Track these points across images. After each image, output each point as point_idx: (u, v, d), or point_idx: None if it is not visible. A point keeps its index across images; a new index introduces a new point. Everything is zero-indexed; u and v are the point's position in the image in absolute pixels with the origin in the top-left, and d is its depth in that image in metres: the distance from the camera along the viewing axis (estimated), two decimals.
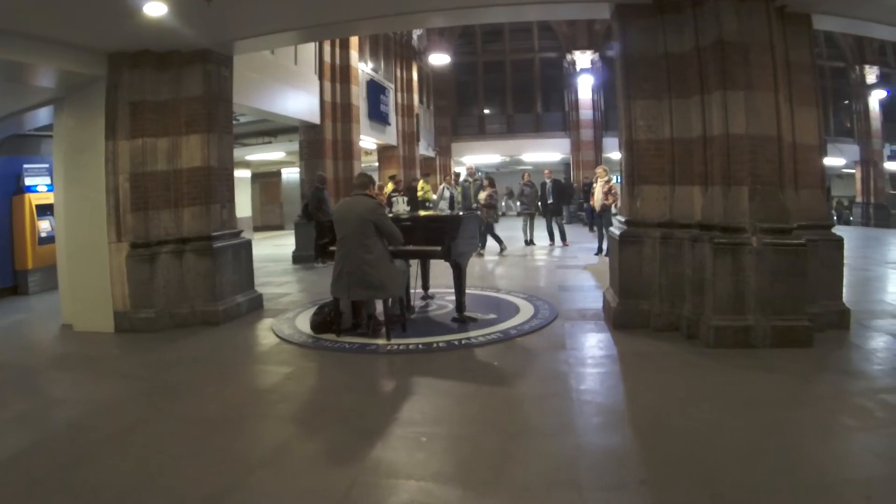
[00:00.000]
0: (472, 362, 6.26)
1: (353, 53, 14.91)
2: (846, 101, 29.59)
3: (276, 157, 21.80)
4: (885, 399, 4.82)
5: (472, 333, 7.11)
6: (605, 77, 27.02)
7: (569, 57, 27.20)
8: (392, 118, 19.15)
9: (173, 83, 7.74)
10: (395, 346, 6.66)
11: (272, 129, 17.14)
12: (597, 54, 26.87)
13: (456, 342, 6.83)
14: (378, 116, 17.57)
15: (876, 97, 27.58)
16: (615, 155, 26.85)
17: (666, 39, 6.81)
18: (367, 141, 17.59)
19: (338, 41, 14.24)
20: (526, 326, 7.42)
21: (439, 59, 19.92)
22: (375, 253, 6.57)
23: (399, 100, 20.02)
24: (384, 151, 19.77)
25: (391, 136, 19.27)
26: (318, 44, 13.66)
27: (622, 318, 7.07)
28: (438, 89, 27.20)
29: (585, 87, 26.86)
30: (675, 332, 6.75)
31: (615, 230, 7.53)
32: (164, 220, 7.79)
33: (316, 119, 13.85)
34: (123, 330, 7.60)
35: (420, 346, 6.71)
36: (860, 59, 28.15)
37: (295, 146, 17.16)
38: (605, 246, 14.00)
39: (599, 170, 15.26)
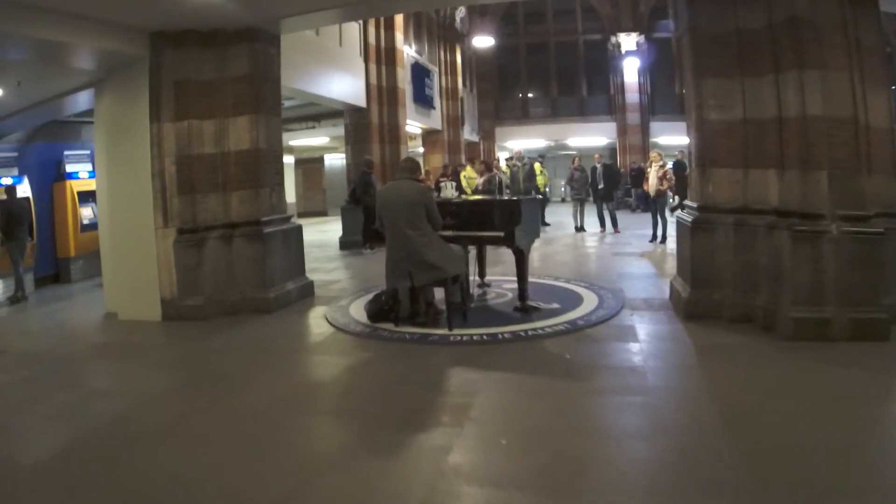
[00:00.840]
0: (542, 354, 5.83)
1: (398, 35, 14.53)
2: (892, 87, 28.46)
3: (319, 142, 21.54)
4: None
5: (538, 324, 6.70)
6: (651, 59, 26.37)
7: (613, 39, 26.50)
8: (436, 102, 18.73)
9: (219, 62, 7.41)
10: (459, 337, 6.27)
11: (316, 114, 16.87)
12: (642, 36, 26.14)
13: (522, 333, 6.40)
14: (423, 100, 17.17)
15: None
16: (662, 139, 26.28)
17: (737, 14, 6.40)
18: (412, 125, 17.23)
19: (382, 23, 13.90)
20: (593, 317, 6.99)
21: (483, 41, 19.51)
22: (428, 235, 6.29)
23: (443, 83, 19.57)
24: (429, 136, 19.37)
25: (436, 120, 18.88)
26: (362, 25, 13.32)
27: (694, 309, 6.70)
28: (481, 72, 26.69)
29: (631, 70, 26.19)
30: (749, 324, 6.35)
31: (686, 216, 7.14)
32: (212, 205, 7.50)
33: (362, 102, 13.53)
34: (170, 318, 7.34)
35: (484, 336, 6.30)
36: None
37: (339, 131, 16.89)
38: (659, 232, 13.72)
39: (654, 154, 14.79)
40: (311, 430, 4.28)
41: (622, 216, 17.06)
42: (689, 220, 6.89)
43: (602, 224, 16.29)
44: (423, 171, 16.59)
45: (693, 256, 6.77)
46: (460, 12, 20.37)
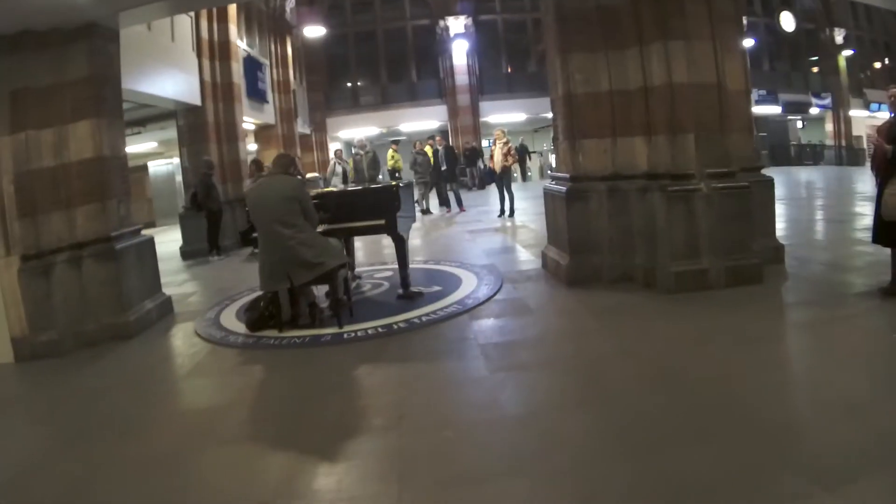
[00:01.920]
0: (446, 340, 5.80)
1: (232, 28, 13.68)
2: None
3: (146, 148, 19.89)
4: (847, 317, 5.40)
5: (429, 309, 6.69)
6: (478, 41, 27.02)
7: (441, 23, 26.80)
8: (269, 96, 17.95)
9: (56, 65, 6.54)
10: (353, 333, 6.08)
11: (141, 118, 15.51)
12: (470, 19, 26.66)
13: (416, 320, 6.36)
14: (256, 94, 16.34)
15: None
16: (492, 118, 27.08)
17: None
18: (247, 121, 16.37)
19: (215, 15, 13.02)
20: (479, 294, 7.11)
21: (314, 31, 18.99)
22: (304, 231, 5.98)
23: (275, 76, 18.75)
24: (262, 131, 18.45)
25: (269, 114, 18.06)
26: (194, 18, 12.41)
27: (575, 275, 7.06)
28: (310, 64, 25.86)
29: (460, 53, 26.65)
30: (628, 283, 6.84)
31: (557, 187, 7.45)
32: (56, 225, 6.62)
33: (197, 100, 12.62)
34: (24, 358, 6.36)
35: (379, 329, 6.19)
36: None
37: (167, 135, 15.86)
38: (506, 207, 14.36)
39: (498, 132, 15.40)
40: (236, 467, 3.70)
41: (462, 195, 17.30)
42: (564, 190, 7.13)
43: (447, 205, 16.61)
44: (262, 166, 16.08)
45: (570, 225, 7.07)
46: (290, 2, 19.67)
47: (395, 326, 6.22)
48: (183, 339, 6.70)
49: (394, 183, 8.45)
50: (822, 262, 7.53)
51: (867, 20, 33.49)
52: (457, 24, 26.46)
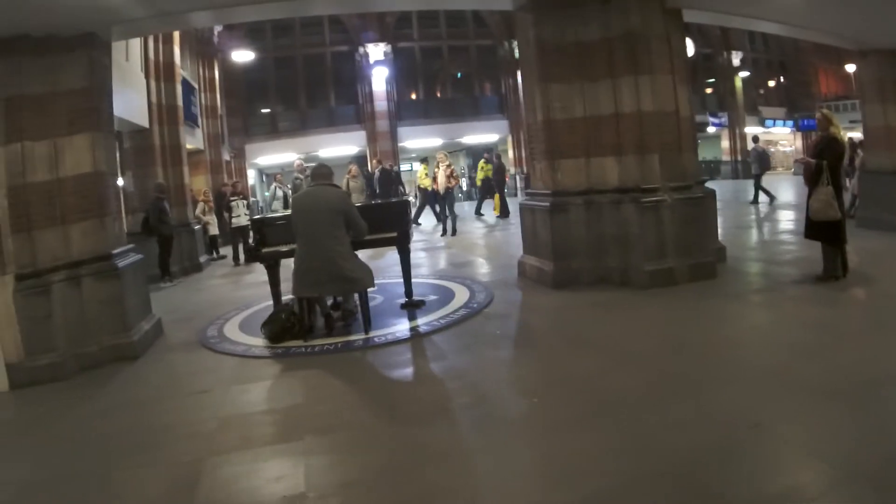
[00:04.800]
0: (474, 336, 6.10)
1: (176, 49, 13.28)
2: None
3: None
4: (793, 297, 6.61)
5: (440, 314, 6.95)
6: (396, 68, 27.43)
7: (361, 49, 26.98)
8: (199, 120, 17.40)
9: (51, 73, 6.23)
10: (383, 338, 6.17)
11: None
12: (389, 46, 27.02)
13: (436, 322, 6.60)
14: (191, 118, 15.76)
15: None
16: (410, 143, 27.40)
17: (576, 30, 7.55)
18: None
19: (161, 36, 12.61)
20: (480, 299, 7.48)
21: (242, 55, 18.77)
22: (346, 245, 6.06)
23: (202, 101, 18.20)
24: (191, 156, 17.73)
25: (199, 139, 17.50)
26: (142, 39, 11.90)
27: (559, 278, 7.69)
28: (229, 89, 25.04)
29: (379, 79, 26.86)
30: (604, 283, 7.58)
31: (538, 202, 8.15)
32: (50, 242, 6.25)
33: (145, 122, 12.15)
34: (21, 385, 5.80)
35: (407, 332, 6.34)
36: None
37: None
38: (449, 226, 14.78)
39: (440, 155, 15.75)
40: (350, 452, 3.89)
41: None
42: (547, 204, 7.81)
43: None
44: (202, 192, 15.60)
45: (553, 235, 7.74)
46: (218, 27, 19.21)
47: (420, 329, 6.38)
48: (200, 357, 6.34)
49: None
50: (755, 259, 8.83)
51: (763, 42, 36.07)
52: (376, 51, 26.68)
